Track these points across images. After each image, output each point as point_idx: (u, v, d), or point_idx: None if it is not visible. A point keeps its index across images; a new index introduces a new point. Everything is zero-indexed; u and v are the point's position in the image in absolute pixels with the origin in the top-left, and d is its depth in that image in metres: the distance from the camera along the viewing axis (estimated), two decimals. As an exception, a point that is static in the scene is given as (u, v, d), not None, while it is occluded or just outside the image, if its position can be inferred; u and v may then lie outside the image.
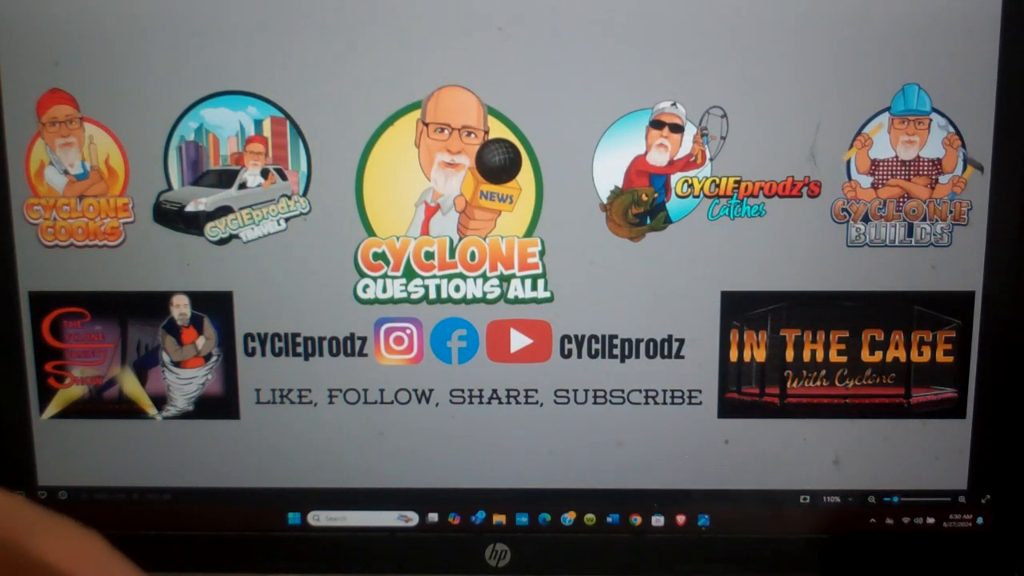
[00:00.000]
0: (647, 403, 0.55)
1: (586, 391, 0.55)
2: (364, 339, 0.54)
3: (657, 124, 0.51)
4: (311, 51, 0.51)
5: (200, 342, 0.54)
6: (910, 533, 0.56)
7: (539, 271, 0.53)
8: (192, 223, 0.53)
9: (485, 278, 0.53)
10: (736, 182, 0.52)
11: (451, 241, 0.53)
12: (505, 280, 0.53)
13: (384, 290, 0.53)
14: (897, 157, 0.52)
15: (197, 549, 0.57)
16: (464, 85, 0.51)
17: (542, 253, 0.53)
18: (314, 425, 0.55)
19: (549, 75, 0.51)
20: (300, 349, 0.54)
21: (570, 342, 0.54)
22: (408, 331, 0.54)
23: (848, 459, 0.55)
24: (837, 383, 0.54)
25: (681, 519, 0.56)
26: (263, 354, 0.54)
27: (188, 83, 0.51)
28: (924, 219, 0.52)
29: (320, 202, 0.52)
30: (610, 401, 0.55)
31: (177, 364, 0.55)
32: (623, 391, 0.55)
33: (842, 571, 0.56)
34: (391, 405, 0.55)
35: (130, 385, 0.55)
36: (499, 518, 0.56)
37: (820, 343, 0.54)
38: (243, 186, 0.52)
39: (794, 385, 0.54)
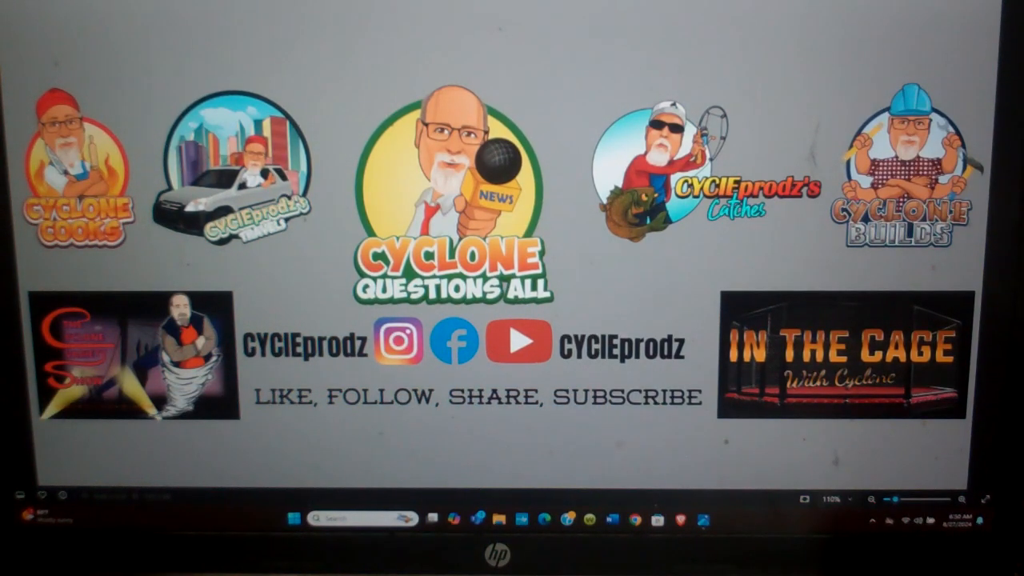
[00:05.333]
0: (647, 403, 0.55)
1: (586, 391, 0.55)
2: (364, 339, 0.54)
3: (657, 124, 0.51)
4: (311, 51, 0.51)
5: (200, 342, 0.54)
6: (910, 533, 0.56)
7: (539, 271, 0.53)
8: (192, 223, 0.53)
9: (485, 278, 0.53)
10: (736, 182, 0.52)
11: (451, 241, 0.53)
12: (505, 280, 0.53)
13: (384, 290, 0.53)
14: (897, 157, 0.52)
15: (197, 549, 0.57)
16: (464, 85, 0.51)
17: (542, 253, 0.53)
18: (314, 425, 0.55)
19: (549, 75, 0.51)
20: (300, 349, 0.54)
21: (570, 342, 0.54)
22: (408, 331, 0.54)
23: (848, 459, 0.55)
24: (837, 383, 0.54)
25: (681, 519, 0.56)
26: (263, 354, 0.54)
27: (188, 83, 0.51)
28: (924, 219, 0.52)
29: (320, 202, 0.52)
30: (610, 401, 0.55)
31: (177, 364, 0.55)
32: (623, 391, 0.55)
33: (842, 571, 0.56)
34: (391, 405, 0.55)
35: (130, 385, 0.55)
36: (499, 518, 0.56)
37: (820, 343, 0.54)
38: (243, 186, 0.52)
39: (794, 385, 0.54)
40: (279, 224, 0.53)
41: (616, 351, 0.54)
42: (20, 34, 0.51)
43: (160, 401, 0.55)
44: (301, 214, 0.53)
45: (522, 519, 0.56)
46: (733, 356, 0.54)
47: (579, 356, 0.54)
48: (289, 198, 0.52)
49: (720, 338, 0.54)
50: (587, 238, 0.52)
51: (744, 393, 0.54)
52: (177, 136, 0.52)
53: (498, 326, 0.54)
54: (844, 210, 0.52)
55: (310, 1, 0.50)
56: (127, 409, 0.55)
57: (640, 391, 0.55)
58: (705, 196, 0.52)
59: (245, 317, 0.54)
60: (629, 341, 0.54)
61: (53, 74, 0.51)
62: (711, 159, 0.51)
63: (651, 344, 0.54)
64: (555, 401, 0.55)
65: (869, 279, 0.53)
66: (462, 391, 0.55)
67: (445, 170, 0.52)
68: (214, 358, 0.55)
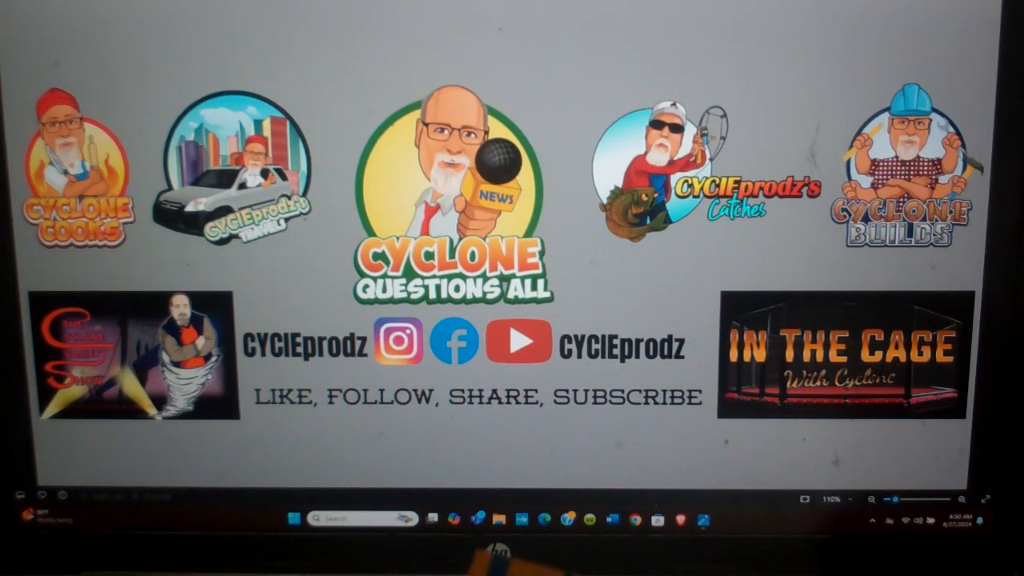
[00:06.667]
0: (647, 403, 0.55)
1: (586, 391, 0.55)
2: (364, 339, 0.54)
3: (657, 124, 0.51)
4: (311, 51, 0.51)
5: (200, 342, 0.54)
6: (910, 533, 0.56)
7: (539, 271, 0.53)
8: (192, 223, 0.53)
9: (485, 278, 0.53)
10: (736, 182, 0.52)
11: (451, 241, 0.53)
12: (505, 280, 0.53)
13: (384, 290, 0.53)
14: (897, 157, 0.52)
15: (197, 549, 0.57)
16: (464, 85, 0.51)
17: (542, 253, 0.53)
18: (314, 425, 0.55)
19: (549, 75, 0.51)
20: (300, 349, 0.54)
21: (570, 342, 0.54)
22: (408, 331, 0.54)
23: (848, 459, 0.55)
24: (837, 383, 0.54)
25: (681, 519, 0.56)
26: (263, 354, 0.54)
27: (188, 83, 0.51)
28: (924, 219, 0.52)
29: (320, 202, 0.52)
30: (610, 401, 0.55)
31: (177, 364, 0.55)
32: (623, 391, 0.55)
33: (842, 571, 0.56)
34: (391, 405, 0.55)
35: (130, 385, 0.55)
36: (499, 518, 0.56)
37: (820, 343, 0.54)
38: (243, 186, 0.52)
39: (794, 385, 0.54)
40: (279, 224, 0.53)
41: (616, 351, 0.54)
42: (20, 34, 0.51)
43: (160, 401, 0.55)
44: (301, 214, 0.53)
45: (522, 519, 0.56)
46: (733, 356, 0.54)
47: (579, 356, 0.54)
48: (289, 198, 0.52)
49: (720, 338, 0.54)
50: (587, 238, 0.52)
51: (744, 393, 0.54)
52: (177, 136, 0.52)
53: (498, 326, 0.54)
54: (844, 210, 0.52)
55: (310, 1, 0.50)
56: (127, 409, 0.55)
57: (640, 391, 0.54)
58: (705, 196, 0.52)
59: (245, 317, 0.54)
60: (629, 341, 0.54)
61: (53, 74, 0.51)
62: (711, 159, 0.51)
63: (651, 344, 0.54)
64: (555, 401, 0.55)
65: (869, 279, 0.53)
66: (462, 391, 0.55)
67: (445, 170, 0.52)
68: (214, 358, 0.55)
